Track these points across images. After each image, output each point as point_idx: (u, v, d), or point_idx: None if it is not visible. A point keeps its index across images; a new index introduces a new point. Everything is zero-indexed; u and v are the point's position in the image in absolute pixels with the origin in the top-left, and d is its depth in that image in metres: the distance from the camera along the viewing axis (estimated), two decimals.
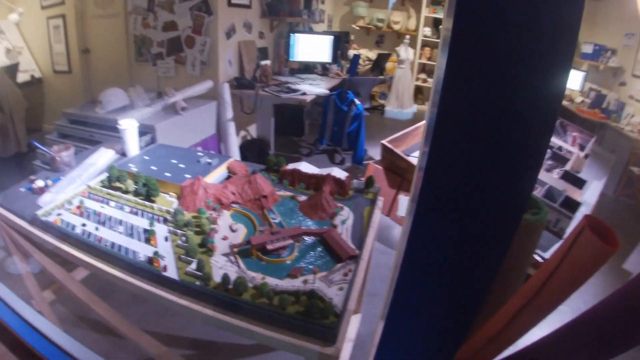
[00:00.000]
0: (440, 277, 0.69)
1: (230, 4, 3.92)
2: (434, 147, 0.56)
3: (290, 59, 5.14)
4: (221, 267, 1.34)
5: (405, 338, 0.81)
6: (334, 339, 1.11)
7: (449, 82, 0.52)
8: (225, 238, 1.49)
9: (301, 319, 1.13)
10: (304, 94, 3.95)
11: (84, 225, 1.56)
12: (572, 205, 2.89)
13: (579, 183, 3.21)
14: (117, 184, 1.84)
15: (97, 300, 1.83)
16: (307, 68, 5.33)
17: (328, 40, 5.18)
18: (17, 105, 4.29)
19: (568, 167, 3.44)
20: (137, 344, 1.75)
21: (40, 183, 1.84)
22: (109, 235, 1.50)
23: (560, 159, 3.56)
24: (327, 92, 4.27)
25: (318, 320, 1.13)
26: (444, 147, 0.57)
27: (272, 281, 1.27)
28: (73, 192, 1.78)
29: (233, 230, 1.54)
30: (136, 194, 1.77)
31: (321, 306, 1.15)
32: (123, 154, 2.22)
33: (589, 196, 3.11)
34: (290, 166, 1.91)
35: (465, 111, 0.54)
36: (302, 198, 1.77)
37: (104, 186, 1.84)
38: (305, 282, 1.27)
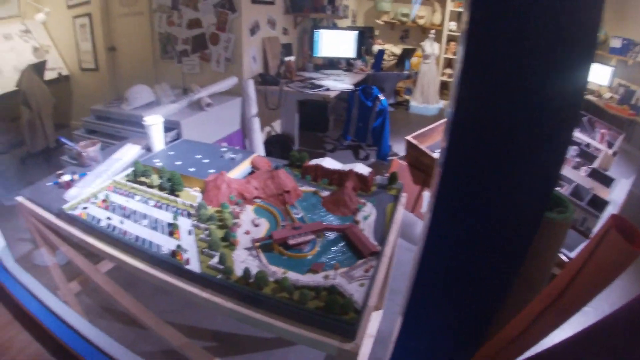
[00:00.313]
0: (459, 274, 0.68)
1: (253, 1, 3.94)
2: (451, 142, 0.56)
3: (314, 55, 5.14)
4: (243, 261, 1.35)
5: (422, 335, 0.80)
6: (354, 335, 1.11)
7: (465, 76, 0.52)
8: (247, 232, 1.50)
9: (321, 314, 1.13)
10: (328, 89, 3.94)
11: (109, 218, 1.59)
12: (599, 204, 2.83)
13: (607, 181, 3.15)
14: (142, 179, 1.87)
15: (122, 292, 1.86)
16: (331, 64, 5.32)
17: (352, 35, 5.16)
18: (45, 102, 4.38)
19: (596, 164, 3.37)
20: (160, 335, 1.77)
21: (66, 178, 1.88)
22: (133, 229, 1.53)
23: (587, 156, 3.49)
24: (351, 87, 4.25)
25: (338, 315, 1.13)
26: (461, 143, 0.56)
27: (293, 276, 1.27)
28: (99, 187, 1.82)
29: (255, 225, 1.55)
30: (161, 188, 1.80)
31: (341, 302, 1.15)
32: (148, 149, 2.26)
33: (616, 195, 3.05)
34: (313, 162, 1.91)
35: (482, 106, 0.53)
36: (325, 194, 1.77)
37: (129, 181, 1.87)
38: (326, 277, 1.27)
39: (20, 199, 1.85)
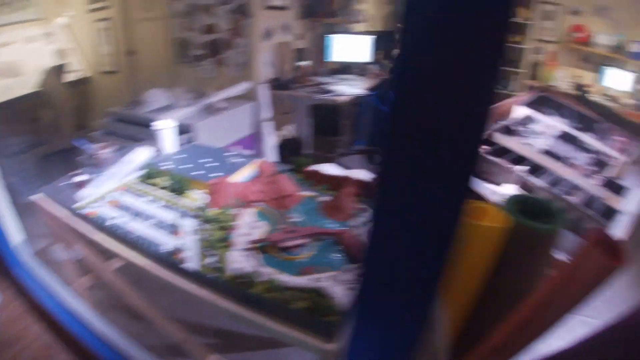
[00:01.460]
0: (392, 277, 0.71)
1: (268, 7, 4.01)
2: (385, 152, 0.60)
3: (327, 60, 5.16)
4: (239, 261, 1.40)
5: (370, 338, 0.83)
6: (336, 336, 1.14)
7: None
8: (247, 234, 1.55)
9: (305, 314, 1.18)
10: (340, 94, 3.98)
11: (117, 217, 1.67)
12: (611, 214, 2.81)
13: (620, 190, 3.12)
14: (152, 181, 1.94)
15: (128, 288, 1.93)
16: (347, 68, 5.33)
17: (368, 40, 5.16)
18: (65, 103, 4.51)
19: (610, 173, 3.34)
20: (163, 330, 1.84)
21: (80, 178, 1.96)
22: (137, 228, 1.61)
23: (601, 164, 3.45)
24: (363, 92, 4.27)
25: (321, 317, 1.17)
26: (392, 152, 0.61)
27: (285, 277, 1.32)
28: (111, 187, 1.90)
29: (255, 228, 1.60)
30: (169, 190, 1.87)
31: (326, 304, 1.19)
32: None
33: (630, 205, 3.02)
34: (314, 167, 1.96)
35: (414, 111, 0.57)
36: (325, 198, 1.81)
37: (142, 182, 1.95)
38: (317, 280, 1.31)
39: (36, 196, 1.93)
